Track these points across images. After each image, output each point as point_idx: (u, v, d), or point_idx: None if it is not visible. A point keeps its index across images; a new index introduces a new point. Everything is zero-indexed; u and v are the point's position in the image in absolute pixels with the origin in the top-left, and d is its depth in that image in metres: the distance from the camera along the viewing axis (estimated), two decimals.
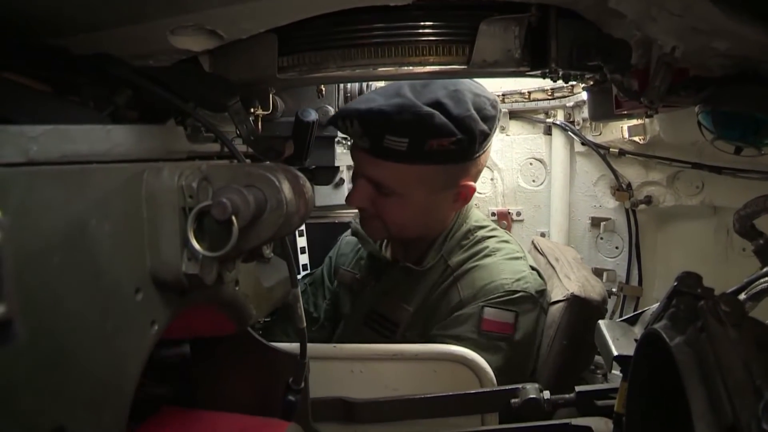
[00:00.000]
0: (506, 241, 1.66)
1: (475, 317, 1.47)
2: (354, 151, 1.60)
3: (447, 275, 1.60)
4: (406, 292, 1.64)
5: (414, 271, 1.65)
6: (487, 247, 1.62)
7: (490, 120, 1.54)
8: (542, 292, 1.57)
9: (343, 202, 2.42)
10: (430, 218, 1.64)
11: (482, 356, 1.35)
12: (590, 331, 1.46)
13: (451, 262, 1.63)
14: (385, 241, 1.84)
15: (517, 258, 1.61)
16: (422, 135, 1.44)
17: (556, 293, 1.64)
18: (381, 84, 2.12)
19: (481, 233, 1.66)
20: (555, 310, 1.59)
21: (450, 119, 1.44)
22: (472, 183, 1.62)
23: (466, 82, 1.54)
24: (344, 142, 2.03)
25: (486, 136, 1.54)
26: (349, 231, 1.93)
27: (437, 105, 1.44)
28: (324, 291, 1.96)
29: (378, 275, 1.76)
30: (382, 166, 1.52)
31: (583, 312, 1.55)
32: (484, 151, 1.60)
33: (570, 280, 1.65)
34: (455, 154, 1.49)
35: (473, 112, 1.47)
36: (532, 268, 1.60)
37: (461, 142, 1.47)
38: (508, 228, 2.78)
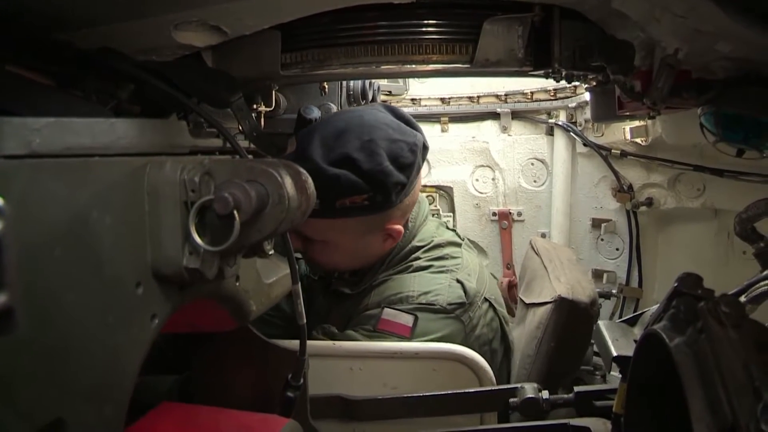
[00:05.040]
0: (440, 257, 1.62)
1: (374, 317, 1.48)
2: None
3: (367, 288, 1.61)
4: (335, 316, 1.65)
5: (347, 295, 1.66)
6: (411, 266, 1.60)
7: (407, 168, 1.49)
8: (460, 305, 1.49)
9: None
10: (360, 258, 1.64)
11: None
12: (578, 333, 1.47)
13: (376, 276, 1.63)
14: None
15: (441, 272, 1.57)
16: (331, 196, 1.42)
17: (546, 295, 1.64)
18: (384, 82, 2.12)
19: (416, 254, 1.63)
20: (543, 312, 1.59)
21: (361, 176, 1.41)
22: (397, 226, 1.59)
23: (382, 128, 1.49)
24: None
25: (403, 185, 1.50)
26: None
27: (347, 162, 1.41)
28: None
29: (323, 291, 1.78)
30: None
31: (571, 314, 1.54)
32: (406, 196, 1.55)
33: (560, 282, 1.65)
34: (370, 207, 1.47)
35: (386, 164, 1.43)
36: (457, 281, 1.54)
37: (374, 197, 1.45)
38: (508, 228, 2.78)
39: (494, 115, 2.75)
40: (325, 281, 1.78)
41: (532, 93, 2.62)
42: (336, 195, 1.42)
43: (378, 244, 1.60)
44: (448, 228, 1.78)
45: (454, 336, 1.43)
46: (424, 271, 1.58)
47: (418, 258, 1.62)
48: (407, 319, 1.45)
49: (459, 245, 1.69)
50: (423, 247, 1.64)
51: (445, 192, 2.84)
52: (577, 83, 2.13)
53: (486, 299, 1.57)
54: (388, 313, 1.46)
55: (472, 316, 1.51)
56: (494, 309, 1.59)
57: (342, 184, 1.40)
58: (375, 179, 1.42)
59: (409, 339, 1.42)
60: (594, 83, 1.31)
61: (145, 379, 1.39)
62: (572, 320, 1.54)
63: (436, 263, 1.60)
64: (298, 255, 1.69)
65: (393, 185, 1.46)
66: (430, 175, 2.80)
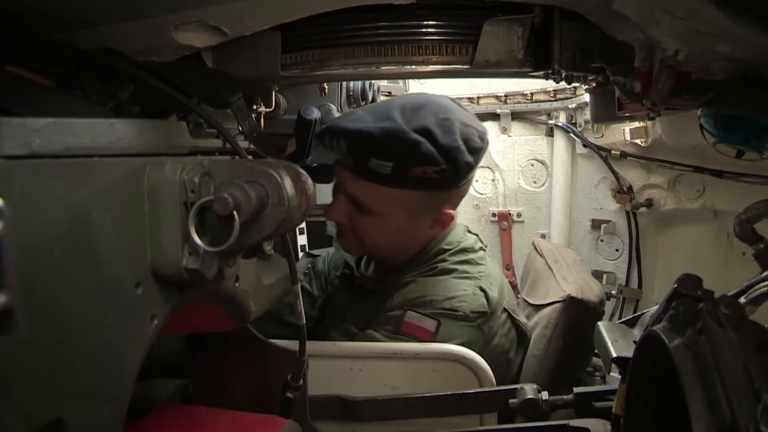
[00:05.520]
0: (466, 262, 1.62)
1: (397, 319, 1.46)
2: (337, 167, 1.59)
3: (392, 287, 1.59)
4: (357, 313, 1.64)
5: (370, 293, 1.65)
6: (437, 267, 1.59)
7: (476, 152, 1.52)
8: (482, 314, 1.49)
9: None
10: (405, 241, 1.63)
11: None
12: (587, 333, 1.46)
13: (402, 276, 1.62)
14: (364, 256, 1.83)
15: (466, 278, 1.56)
16: (407, 162, 1.43)
17: (553, 294, 1.64)
18: (384, 83, 2.12)
19: (442, 256, 1.63)
20: (551, 311, 1.59)
21: (437, 148, 1.43)
22: (451, 211, 1.60)
23: (457, 111, 1.53)
24: None
25: (470, 168, 1.53)
26: None
27: (425, 132, 1.42)
28: (321, 282, 1.96)
29: (347, 287, 1.77)
30: (364, 186, 1.51)
31: (580, 313, 1.55)
32: (467, 181, 1.58)
33: (567, 282, 1.65)
34: (438, 182, 1.48)
35: (461, 143, 1.46)
36: (481, 289, 1.54)
37: (445, 171, 1.46)
38: (508, 229, 2.78)
39: (494, 116, 2.75)
40: (349, 277, 1.77)
41: (531, 94, 2.62)
42: (412, 162, 1.43)
43: (426, 228, 1.60)
44: (470, 232, 1.78)
45: (473, 344, 1.42)
46: (448, 275, 1.57)
47: (444, 261, 1.61)
48: (430, 324, 1.44)
49: (483, 251, 1.69)
50: (449, 250, 1.64)
51: None
52: (576, 84, 2.13)
53: (505, 309, 1.57)
54: (411, 316, 1.45)
55: (492, 326, 1.51)
56: (512, 319, 1.59)
57: (421, 151, 1.41)
58: (449, 154, 1.44)
59: (431, 342, 1.42)
60: (594, 84, 1.31)
61: (150, 382, 1.40)
62: (581, 320, 1.54)
63: (460, 267, 1.59)
64: (335, 228, 1.67)
65: (463, 164, 1.48)
66: None
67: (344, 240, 1.68)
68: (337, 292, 1.80)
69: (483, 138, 1.56)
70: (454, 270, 1.58)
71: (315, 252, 2.06)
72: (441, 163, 1.44)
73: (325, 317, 1.80)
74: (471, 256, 1.63)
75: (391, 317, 1.48)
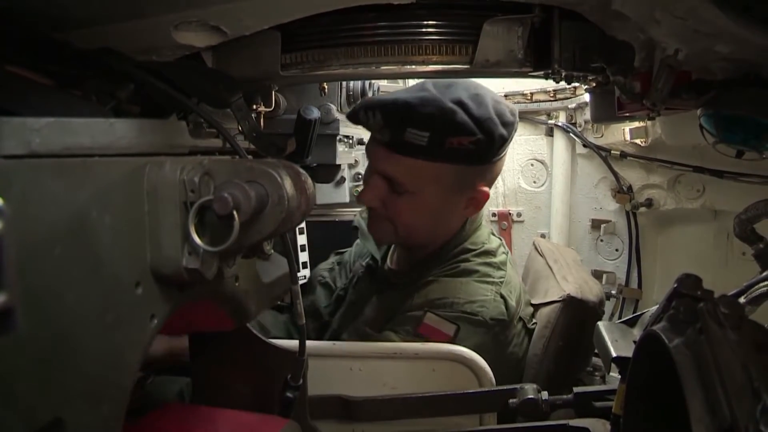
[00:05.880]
0: (488, 264, 1.61)
1: (416, 319, 1.45)
2: (371, 146, 1.59)
3: (413, 286, 1.59)
4: (377, 308, 1.63)
5: (392, 287, 1.64)
6: (459, 266, 1.58)
7: (509, 126, 1.53)
8: (500, 321, 1.49)
9: (345, 201, 2.42)
10: (439, 221, 1.61)
11: None
12: (586, 332, 1.46)
13: (423, 274, 1.61)
14: (391, 248, 1.83)
15: (487, 282, 1.55)
16: (444, 130, 1.43)
17: (553, 294, 1.63)
18: (384, 83, 2.12)
19: (466, 256, 1.62)
20: (551, 311, 1.58)
21: (471, 118, 1.43)
22: (486, 189, 1.59)
23: (487, 89, 1.56)
24: (346, 140, 2.03)
25: (504, 141, 1.53)
26: None
27: (460, 103, 1.44)
28: (346, 272, 1.96)
29: (368, 280, 1.76)
30: (399, 162, 1.51)
31: (579, 313, 1.54)
32: (500, 157, 1.59)
33: (567, 282, 1.65)
34: (473, 155, 1.49)
35: (494, 115, 1.47)
36: (501, 296, 1.54)
37: (480, 143, 1.46)
38: (508, 229, 2.78)
39: None
40: (372, 269, 1.77)
41: (531, 94, 2.62)
42: (448, 131, 1.44)
43: (461, 209, 1.61)
44: (493, 234, 1.78)
45: (487, 351, 1.42)
46: (470, 276, 1.56)
47: (467, 261, 1.61)
48: (449, 328, 1.44)
49: (506, 255, 1.69)
50: (474, 250, 1.63)
51: None
52: (576, 84, 2.13)
53: (521, 318, 1.57)
54: (431, 319, 1.45)
55: (508, 335, 1.51)
56: (526, 329, 1.59)
57: (457, 120, 1.42)
58: (484, 125, 1.46)
59: None
60: (594, 84, 1.31)
61: (157, 380, 1.40)
62: (581, 319, 1.54)
63: (482, 269, 1.58)
64: (371, 210, 1.66)
65: (498, 137, 1.49)
66: None
67: (376, 227, 1.66)
68: (359, 283, 1.79)
69: (514, 114, 1.58)
70: (476, 271, 1.57)
71: (344, 251, 2.07)
72: (476, 133, 1.44)
73: (343, 306, 1.79)
74: (494, 259, 1.63)
75: (410, 317, 1.47)
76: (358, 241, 2.00)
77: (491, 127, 1.46)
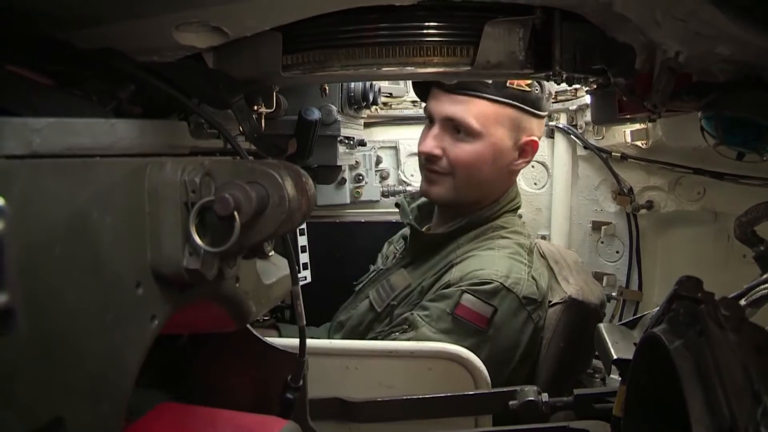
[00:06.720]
0: (519, 244, 1.67)
1: (453, 299, 1.47)
2: (432, 98, 1.68)
3: (450, 262, 1.63)
4: (414, 262, 1.71)
5: (429, 242, 1.71)
6: (493, 240, 1.65)
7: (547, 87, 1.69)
8: (532, 301, 1.51)
9: (345, 202, 2.43)
10: (494, 171, 1.69)
11: (448, 340, 1.37)
12: (587, 334, 1.47)
13: (459, 249, 1.67)
14: (433, 220, 1.89)
15: (519, 261, 1.60)
16: None
17: (554, 295, 1.64)
18: (384, 84, 2.13)
19: (498, 233, 1.70)
20: (552, 313, 1.59)
21: None
22: (535, 138, 1.71)
23: None
24: (347, 141, 2.03)
25: (549, 97, 1.69)
26: None
27: None
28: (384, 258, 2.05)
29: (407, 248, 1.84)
30: (464, 103, 1.61)
31: (581, 315, 1.55)
32: (545, 114, 1.73)
33: (569, 284, 1.65)
34: (530, 99, 1.61)
35: None
36: (533, 278, 1.58)
37: (535, 88, 1.60)
38: None
39: None
40: (414, 234, 1.81)
41: None
42: None
43: (512, 159, 1.71)
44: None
45: (525, 333, 1.46)
46: (505, 249, 1.62)
47: (502, 237, 1.68)
48: (486, 310, 1.46)
49: (532, 245, 1.77)
50: (506, 228, 1.72)
51: None
52: (577, 86, 2.13)
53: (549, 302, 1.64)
54: (468, 300, 1.47)
55: (540, 315, 1.53)
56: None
57: None
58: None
59: (486, 330, 1.44)
60: (594, 86, 1.31)
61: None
62: (582, 321, 1.54)
63: (514, 246, 1.65)
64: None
65: (546, 89, 1.67)
66: None
67: (433, 183, 1.73)
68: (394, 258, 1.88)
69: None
70: (509, 247, 1.64)
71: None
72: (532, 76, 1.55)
73: (373, 273, 1.90)
74: (524, 241, 1.71)
75: (447, 295, 1.49)
76: (388, 240, 2.10)
77: (541, 80, 1.60)
